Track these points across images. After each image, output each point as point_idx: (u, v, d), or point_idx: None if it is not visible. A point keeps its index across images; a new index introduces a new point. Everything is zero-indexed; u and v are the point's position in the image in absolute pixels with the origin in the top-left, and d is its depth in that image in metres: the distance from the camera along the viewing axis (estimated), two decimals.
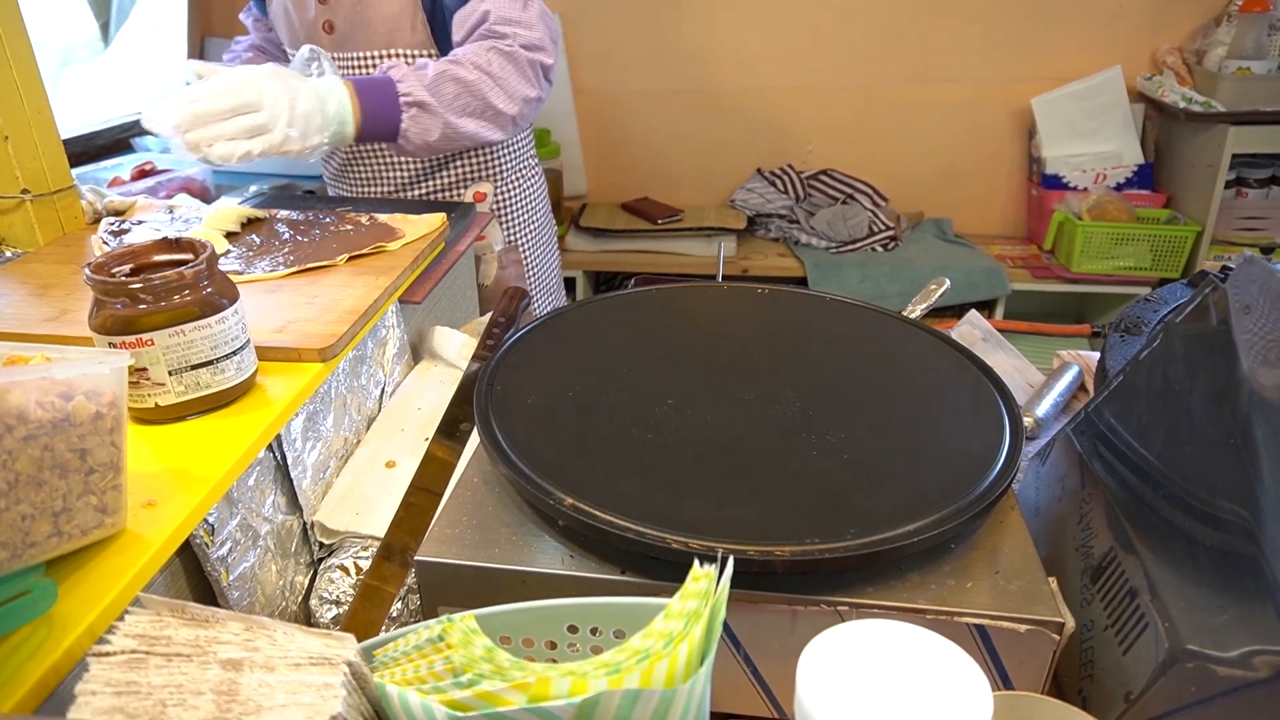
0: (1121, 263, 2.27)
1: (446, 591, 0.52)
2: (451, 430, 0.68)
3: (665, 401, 0.61)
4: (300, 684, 0.36)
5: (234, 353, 0.62)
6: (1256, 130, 2.09)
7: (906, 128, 2.51)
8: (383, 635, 0.41)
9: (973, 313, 1.05)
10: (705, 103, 2.53)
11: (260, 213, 0.98)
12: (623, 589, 0.49)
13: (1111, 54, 2.32)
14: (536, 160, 1.40)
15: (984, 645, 0.47)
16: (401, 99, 1.01)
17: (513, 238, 1.34)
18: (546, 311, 0.78)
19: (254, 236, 0.92)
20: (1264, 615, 0.41)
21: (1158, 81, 2.26)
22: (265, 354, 0.68)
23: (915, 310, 0.85)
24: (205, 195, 1.46)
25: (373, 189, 1.29)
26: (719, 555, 0.39)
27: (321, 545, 0.70)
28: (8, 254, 0.90)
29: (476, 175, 1.29)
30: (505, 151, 1.30)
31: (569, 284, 2.40)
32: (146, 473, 0.56)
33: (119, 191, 1.17)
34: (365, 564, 0.66)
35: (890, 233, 2.39)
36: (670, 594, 0.37)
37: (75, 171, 0.99)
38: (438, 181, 1.28)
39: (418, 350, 0.94)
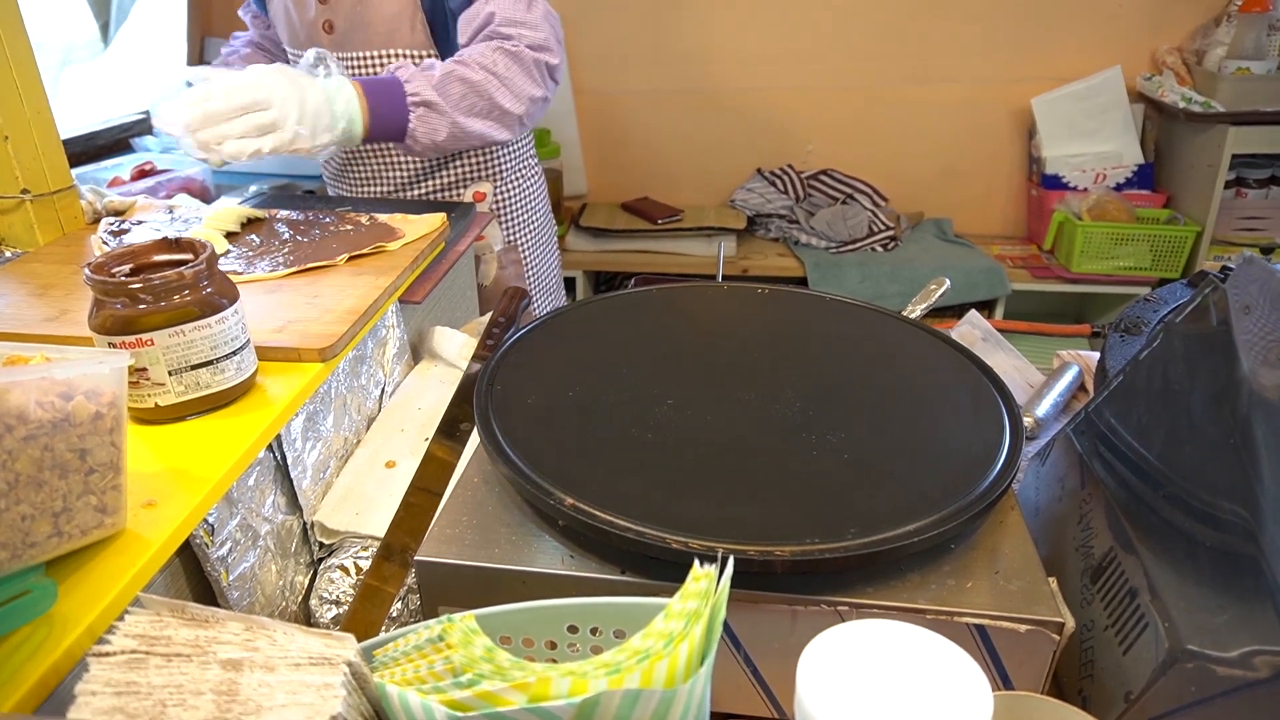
0: (1121, 263, 2.27)
1: (446, 591, 0.52)
2: (451, 430, 0.68)
3: (665, 401, 0.61)
4: (300, 684, 0.36)
5: (234, 353, 0.62)
6: (1256, 130, 2.09)
7: (906, 128, 2.51)
8: (383, 635, 0.41)
9: (973, 313, 1.05)
10: (705, 103, 2.53)
11: (260, 213, 0.98)
12: (623, 589, 0.49)
13: (1111, 54, 2.32)
14: (536, 160, 1.41)
15: (984, 645, 0.47)
16: (409, 99, 1.01)
17: (512, 238, 1.34)
18: (546, 311, 0.78)
19: (254, 236, 0.92)
20: (1264, 615, 0.41)
21: (1157, 82, 2.26)
22: (265, 354, 0.68)
23: (915, 310, 0.85)
24: (205, 195, 1.46)
25: (372, 189, 1.29)
26: (719, 555, 0.39)
27: (321, 545, 0.70)
28: (7, 254, 0.90)
29: (476, 175, 1.29)
30: (505, 151, 1.30)
31: (569, 284, 2.40)
32: (146, 473, 0.56)
33: (119, 191, 1.17)
34: (365, 564, 0.66)
35: (890, 233, 2.39)
36: (670, 594, 0.37)
37: (75, 171, 0.99)
38: (437, 181, 1.28)
39: (418, 350, 0.94)
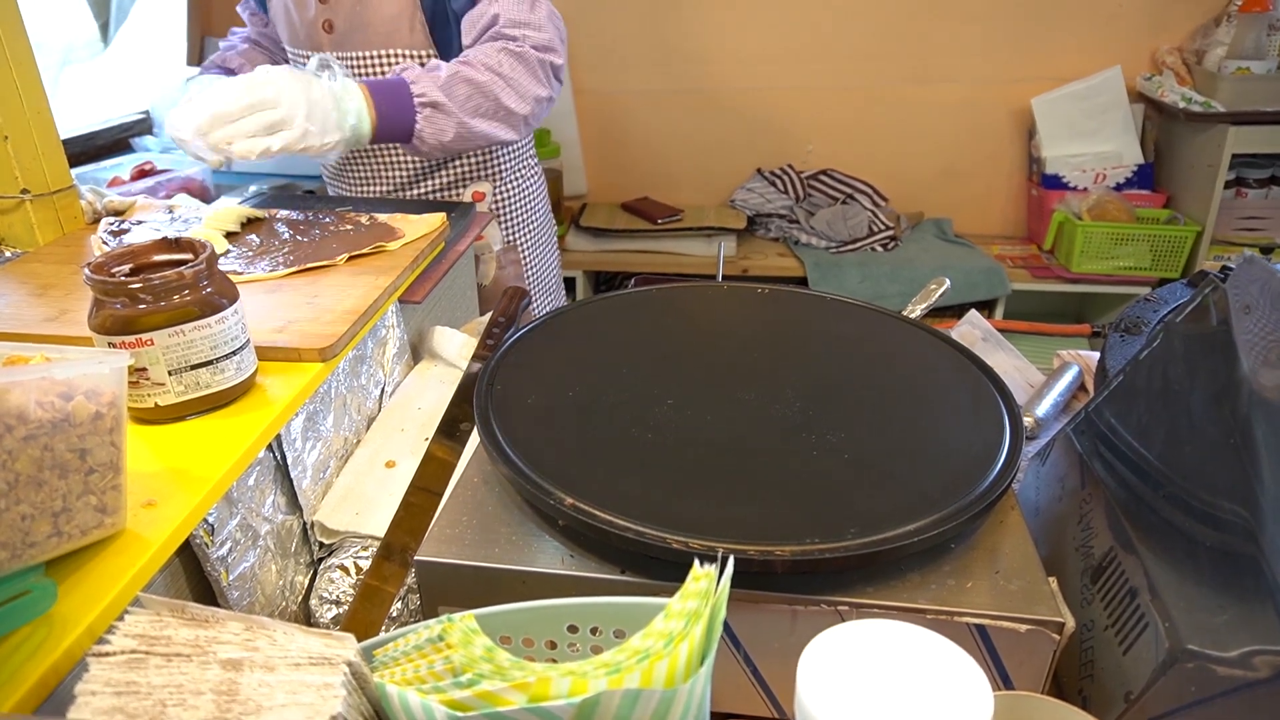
0: (1121, 263, 2.27)
1: (446, 591, 0.52)
2: (451, 430, 0.68)
3: (665, 401, 0.61)
4: (300, 684, 0.36)
5: (234, 353, 0.62)
6: (1256, 130, 2.10)
7: (906, 128, 2.51)
8: (383, 635, 0.41)
9: (973, 312, 1.05)
10: (705, 103, 2.53)
11: (260, 213, 0.98)
12: (623, 589, 0.49)
13: (1111, 54, 2.32)
14: (536, 160, 1.41)
15: (984, 645, 0.47)
16: (415, 99, 1.01)
17: (512, 237, 1.34)
18: (546, 311, 0.78)
19: (254, 236, 0.92)
20: (1264, 615, 0.41)
21: (1157, 81, 2.26)
22: (265, 354, 0.68)
23: (915, 310, 0.85)
24: (205, 195, 1.46)
25: (372, 188, 1.29)
26: (719, 555, 0.39)
27: (321, 545, 0.70)
28: (7, 254, 0.90)
29: (475, 175, 1.29)
30: (504, 151, 1.30)
31: (569, 284, 2.40)
32: (146, 473, 0.56)
33: (119, 191, 1.17)
34: (365, 564, 0.66)
35: (890, 233, 2.39)
36: (670, 594, 0.37)
37: (75, 171, 0.99)
38: (437, 181, 1.28)
39: (418, 350, 0.94)
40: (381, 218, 0.97)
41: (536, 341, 0.70)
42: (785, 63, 2.46)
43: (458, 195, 1.29)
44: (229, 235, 0.92)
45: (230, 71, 1.22)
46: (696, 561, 0.38)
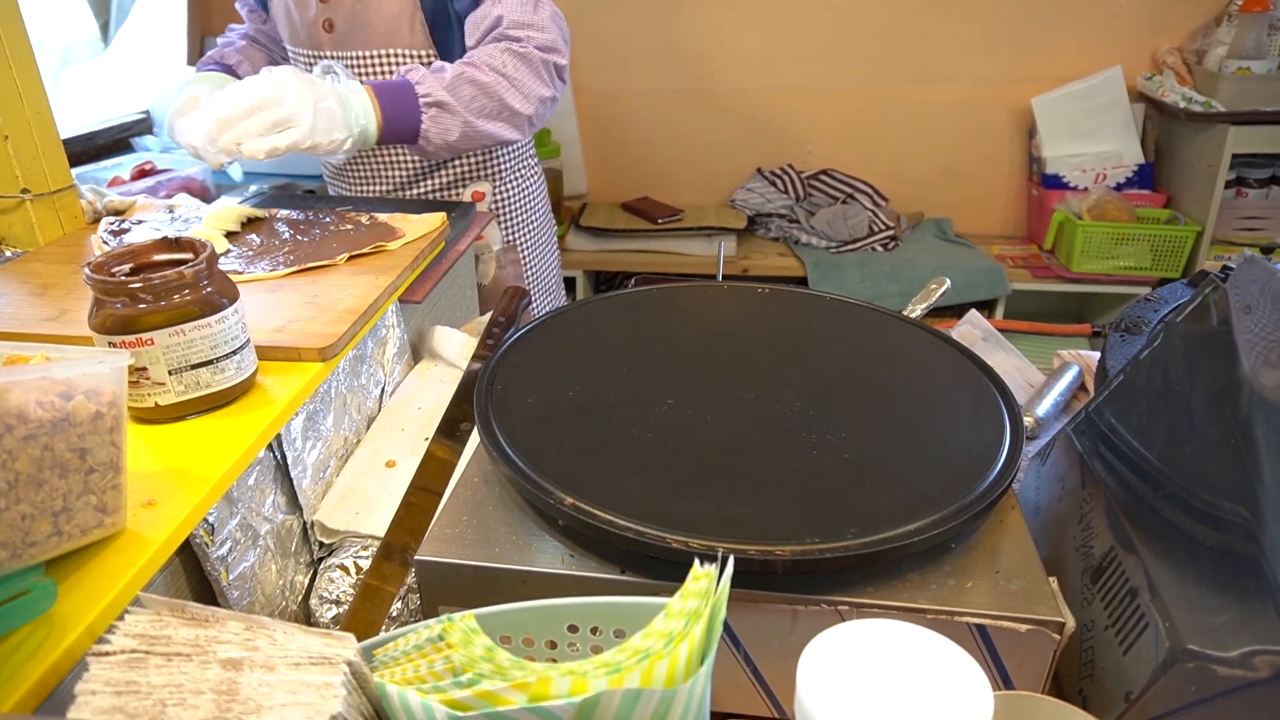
0: (1122, 262, 2.27)
1: (446, 591, 0.52)
2: (451, 430, 0.68)
3: (665, 401, 0.61)
4: (300, 683, 0.36)
5: (234, 352, 0.62)
6: (1256, 130, 2.10)
7: (906, 128, 2.51)
8: (383, 635, 0.41)
9: (973, 312, 1.05)
10: (705, 102, 2.53)
11: (260, 212, 0.98)
12: (623, 589, 0.49)
13: (1111, 54, 2.32)
14: (536, 160, 1.41)
15: (984, 645, 0.47)
16: (421, 99, 1.02)
17: (511, 237, 1.34)
18: (546, 311, 0.78)
19: (254, 236, 0.92)
20: (1264, 615, 0.41)
21: (1158, 81, 2.26)
22: (265, 353, 0.68)
23: (915, 310, 0.85)
24: (205, 195, 1.46)
25: (371, 188, 1.30)
26: (719, 555, 0.39)
27: (321, 545, 0.70)
28: (7, 254, 0.90)
29: (475, 175, 1.29)
30: (504, 151, 1.30)
31: (569, 284, 2.40)
32: (146, 472, 0.56)
33: (119, 191, 1.17)
34: (365, 563, 0.66)
35: (890, 232, 2.39)
36: (670, 594, 0.37)
37: (75, 171, 0.99)
38: (436, 181, 1.28)
39: (418, 350, 0.94)
40: (382, 217, 0.97)
41: (536, 341, 0.70)
42: (785, 62, 2.46)
43: (457, 195, 1.29)
44: (229, 235, 0.92)
45: (228, 68, 1.22)
46: (696, 561, 0.38)
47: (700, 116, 2.55)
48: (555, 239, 1.50)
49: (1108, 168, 2.33)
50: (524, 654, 0.42)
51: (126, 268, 0.62)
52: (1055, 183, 2.35)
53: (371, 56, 1.17)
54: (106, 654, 0.36)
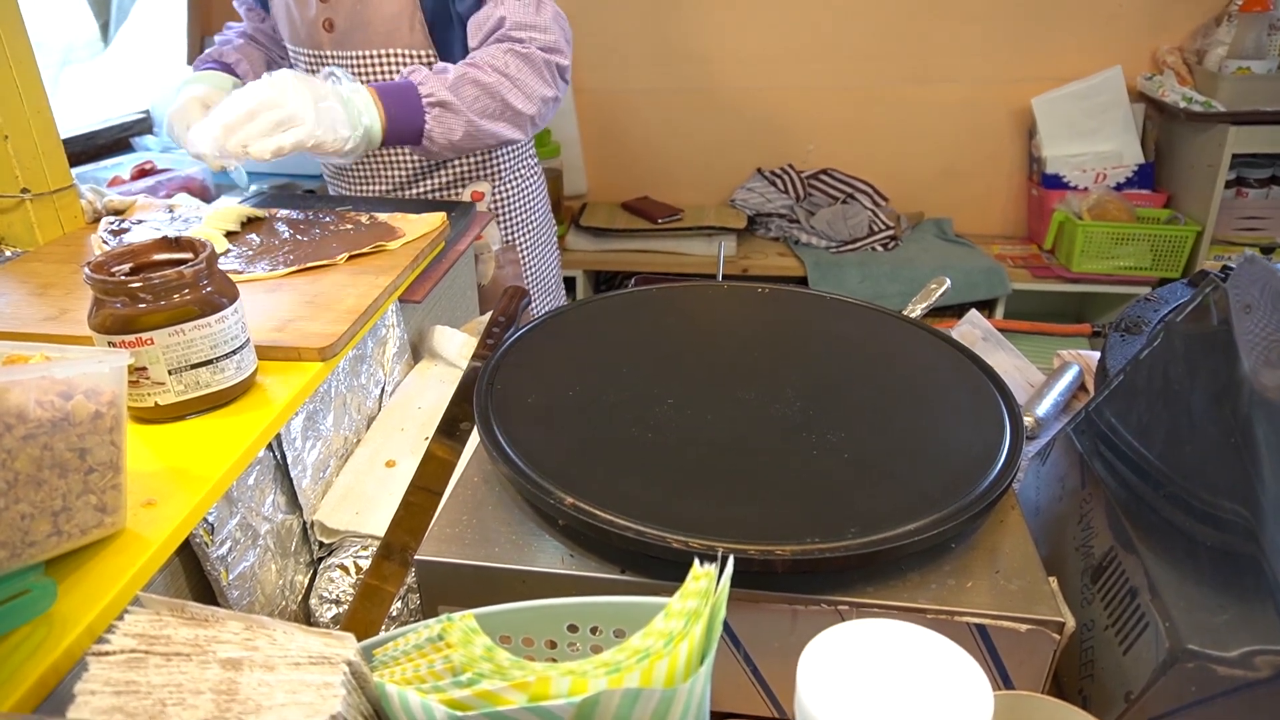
0: (1122, 262, 2.27)
1: (446, 591, 0.52)
2: (451, 429, 0.68)
3: (665, 401, 0.61)
4: (300, 683, 0.36)
5: (234, 352, 0.62)
6: (1257, 130, 2.09)
7: (907, 127, 2.51)
8: (382, 634, 0.41)
9: (973, 312, 1.05)
10: (706, 102, 2.53)
11: (260, 212, 0.98)
12: (622, 588, 0.49)
13: (1112, 54, 2.32)
14: (536, 160, 1.41)
15: (984, 645, 0.47)
16: (424, 99, 1.02)
17: (511, 237, 1.34)
18: (546, 311, 0.78)
19: (254, 236, 0.92)
20: (1264, 615, 0.41)
21: (1158, 81, 2.26)
22: (265, 353, 0.68)
23: (915, 310, 0.85)
24: (205, 194, 1.46)
25: (371, 187, 1.30)
26: (719, 554, 0.39)
27: (321, 544, 0.70)
28: (7, 253, 0.90)
29: (474, 174, 1.29)
30: (504, 151, 1.30)
31: (569, 283, 2.40)
32: (146, 472, 0.56)
33: (119, 191, 1.17)
34: (365, 563, 0.66)
35: (890, 232, 2.39)
36: (670, 593, 0.37)
37: (75, 171, 0.99)
38: (435, 180, 1.28)
39: (418, 349, 0.94)
40: (381, 217, 0.97)
41: (536, 341, 0.70)
42: (786, 62, 2.46)
43: (456, 195, 1.29)
44: (229, 234, 0.92)
45: (227, 66, 1.22)
46: (696, 561, 0.38)
47: (700, 116, 2.55)
48: (555, 239, 1.50)
49: (1108, 168, 2.33)
50: (524, 654, 0.42)
51: (126, 267, 0.62)
52: (1055, 182, 2.35)
53: (371, 56, 1.17)
54: (106, 654, 0.36)
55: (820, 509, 0.51)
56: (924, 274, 2.20)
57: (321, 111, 0.93)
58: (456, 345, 0.91)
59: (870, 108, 2.50)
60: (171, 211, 1.00)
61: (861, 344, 0.71)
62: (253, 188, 1.51)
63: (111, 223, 0.94)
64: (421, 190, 1.28)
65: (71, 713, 0.34)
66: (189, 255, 0.63)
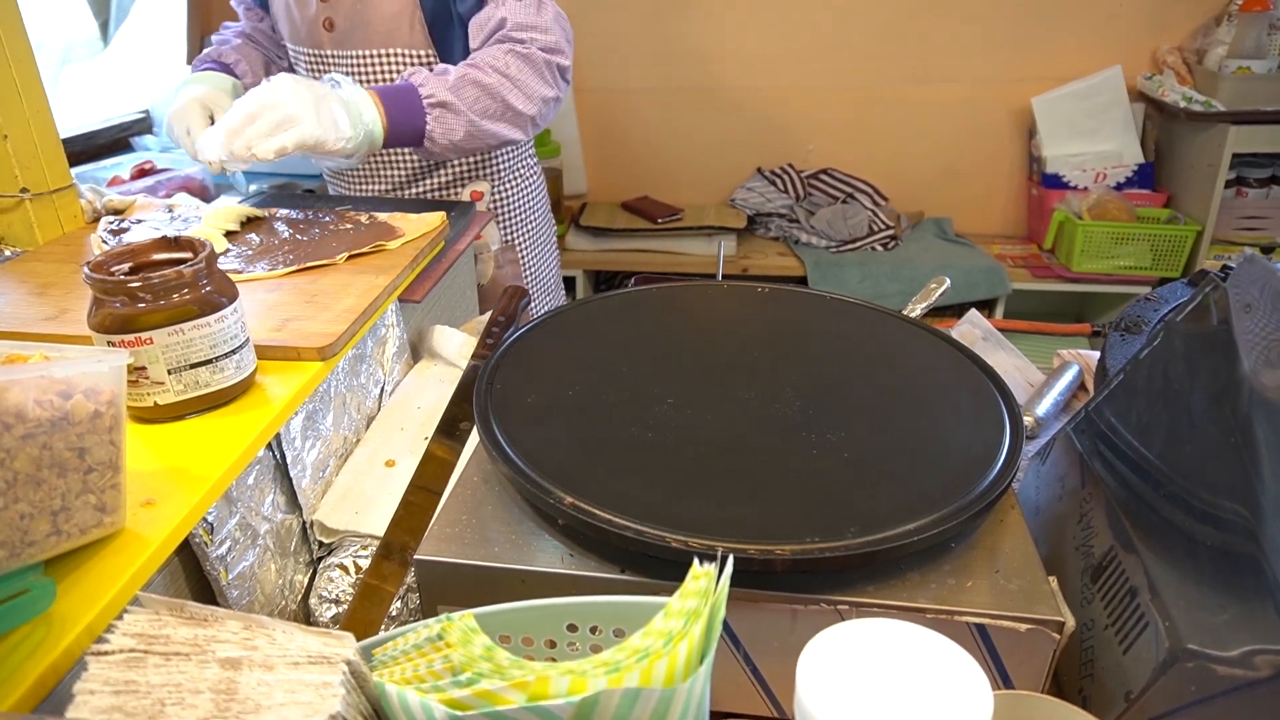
0: (1122, 262, 2.27)
1: (446, 590, 0.52)
2: (451, 429, 0.68)
3: (665, 400, 0.61)
4: (299, 683, 0.36)
5: (233, 351, 0.62)
6: (1257, 130, 2.09)
7: (907, 127, 2.51)
8: (382, 634, 0.41)
9: (973, 312, 1.05)
10: (706, 102, 2.53)
11: (259, 211, 0.98)
12: (622, 588, 0.49)
13: (1112, 54, 2.32)
14: (535, 160, 1.41)
15: (984, 644, 0.47)
16: (425, 100, 1.02)
17: (510, 237, 1.34)
18: (546, 310, 0.78)
19: (253, 235, 0.92)
20: (1264, 614, 0.41)
21: (1158, 81, 2.26)
22: (264, 353, 0.68)
23: (915, 309, 0.85)
24: (204, 194, 1.46)
25: (370, 187, 1.30)
26: (719, 554, 0.39)
27: (321, 544, 0.70)
28: (7, 253, 0.90)
29: (474, 174, 1.29)
30: (503, 151, 1.30)
31: (569, 283, 2.40)
32: (145, 471, 0.56)
33: (118, 190, 1.17)
34: (364, 563, 0.66)
35: (890, 232, 2.39)
36: (670, 593, 0.37)
37: (75, 170, 0.99)
38: (435, 180, 1.28)
39: (417, 349, 0.94)
40: (381, 216, 0.97)
41: (536, 341, 0.70)
42: (786, 62, 2.46)
43: (455, 194, 1.29)
44: (229, 234, 0.92)
45: (226, 67, 1.22)
46: (696, 560, 0.38)
47: (700, 116, 2.55)
48: (554, 239, 1.50)
49: (1108, 167, 2.33)
50: (523, 653, 0.42)
51: (126, 267, 0.62)
52: (1055, 182, 2.35)
53: (371, 56, 1.17)
54: (105, 653, 0.36)
55: (820, 509, 0.51)
56: (924, 274, 2.20)
57: (321, 111, 0.94)
58: (456, 345, 0.91)
59: (870, 107, 2.50)
60: (171, 211, 1.00)
61: (861, 344, 0.71)
62: (252, 187, 1.51)
63: (111, 222, 0.94)
64: (421, 190, 1.28)
65: (70, 712, 0.34)
66: (188, 255, 0.63)
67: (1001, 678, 0.48)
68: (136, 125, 1.88)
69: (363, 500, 0.71)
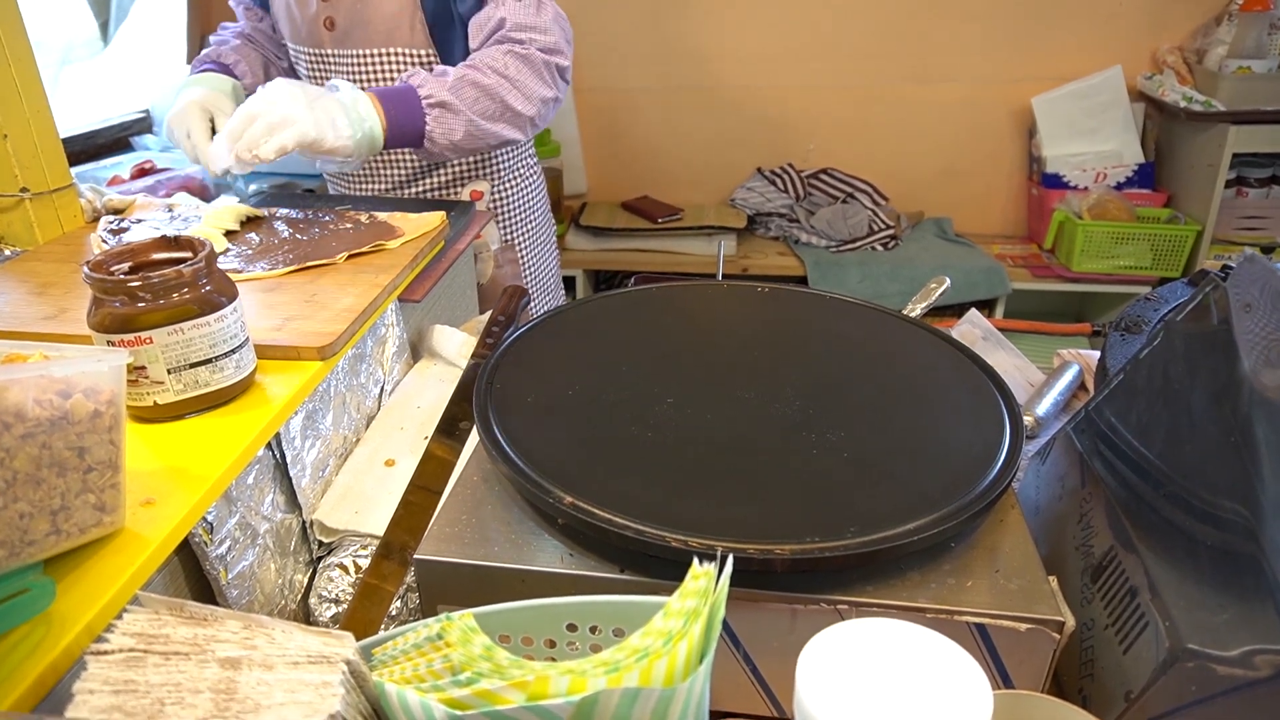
0: (1122, 262, 2.27)
1: (445, 590, 0.52)
2: (451, 428, 0.68)
3: (665, 400, 0.61)
4: (299, 682, 0.36)
5: (233, 351, 0.62)
6: (1257, 129, 2.09)
7: (907, 127, 2.51)
8: (381, 634, 0.41)
9: (973, 311, 1.05)
10: (706, 101, 2.53)
11: (259, 211, 0.98)
12: (622, 587, 0.49)
13: (1112, 53, 2.32)
14: (535, 159, 1.40)
15: (984, 644, 0.47)
16: (424, 101, 1.03)
17: (510, 236, 1.34)
18: (546, 310, 0.78)
19: (253, 235, 0.92)
20: (1264, 614, 0.41)
21: (1158, 81, 2.26)
22: (264, 352, 0.68)
23: (915, 309, 0.85)
24: (204, 194, 1.45)
25: (370, 186, 1.30)
26: (718, 553, 0.39)
27: (320, 544, 0.70)
28: (6, 252, 0.90)
29: (473, 174, 1.28)
30: (503, 150, 1.30)
31: (569, 283, 2.40)
32: (145, 471, 0.56)
33: (118, 190, 1.17)
34: (364, 562, 0.66)
35: (890, 232, 2.39)
36: (669, 593, 0.37)
37: (75, 170, 0.99)
38: (434, 179, 1.28)
39: (417, 348, 0.94)
40: (381, 216, 0.97)
41: (536, 340, 0.70)
42: (786, 61, 2.46)
43: (455, 194, 1.29)
44: (228, 234, 0.92)
45: (225, 68, 1.22)
46: (696, 560, 0.38)
47: (700, 115, 2.55)
48: (554, 238, 1.50)
49: (1108, 167, 2.33)
50: (523, 653, 0.42)
51: (125, 266, 0.62)
52: (1055, 182, 2.35)
53: (371, 55, 1.17)
54: (105, 653, 0.36)
55: (820, 508, 0.51)
56: (924, 273, 2.20)
57: (316, 109, 0.95)
58: (456, 344, 0.91)
59: (870, 107, 2.50)
60: (171, 210, 1.00)
61: (861, 343, 0.71)
62: (252, 187, 1.51)
63: (111, 222, 0.94)
64: (421, 189, 1.28)
65: (70, 712, 0.34)
66: (188, 254, 0.63)
67: (1001, 677, 0.48)
68: (136, 125, 1.87)
69: (362, 500, 0.71)
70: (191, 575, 0.58)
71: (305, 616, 0.68)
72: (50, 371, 0.43)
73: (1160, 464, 0.52)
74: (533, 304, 1.39)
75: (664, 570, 0.49)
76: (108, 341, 0.58)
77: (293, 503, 0.68)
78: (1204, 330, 0.54)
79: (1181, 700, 0.43)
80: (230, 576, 0.59)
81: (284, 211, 0.99)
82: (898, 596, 0.48)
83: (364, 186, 1.30)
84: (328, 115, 0.95)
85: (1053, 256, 2.39)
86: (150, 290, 0.57)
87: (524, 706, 0.33)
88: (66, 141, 0.94)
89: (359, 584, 0.58)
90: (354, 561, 0.66)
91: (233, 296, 0.62)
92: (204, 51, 1.26)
